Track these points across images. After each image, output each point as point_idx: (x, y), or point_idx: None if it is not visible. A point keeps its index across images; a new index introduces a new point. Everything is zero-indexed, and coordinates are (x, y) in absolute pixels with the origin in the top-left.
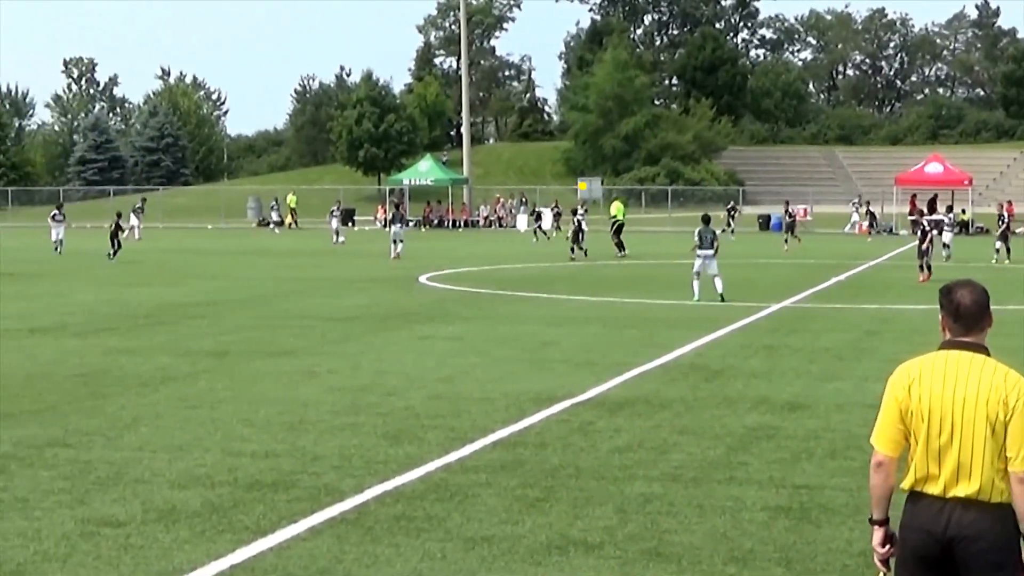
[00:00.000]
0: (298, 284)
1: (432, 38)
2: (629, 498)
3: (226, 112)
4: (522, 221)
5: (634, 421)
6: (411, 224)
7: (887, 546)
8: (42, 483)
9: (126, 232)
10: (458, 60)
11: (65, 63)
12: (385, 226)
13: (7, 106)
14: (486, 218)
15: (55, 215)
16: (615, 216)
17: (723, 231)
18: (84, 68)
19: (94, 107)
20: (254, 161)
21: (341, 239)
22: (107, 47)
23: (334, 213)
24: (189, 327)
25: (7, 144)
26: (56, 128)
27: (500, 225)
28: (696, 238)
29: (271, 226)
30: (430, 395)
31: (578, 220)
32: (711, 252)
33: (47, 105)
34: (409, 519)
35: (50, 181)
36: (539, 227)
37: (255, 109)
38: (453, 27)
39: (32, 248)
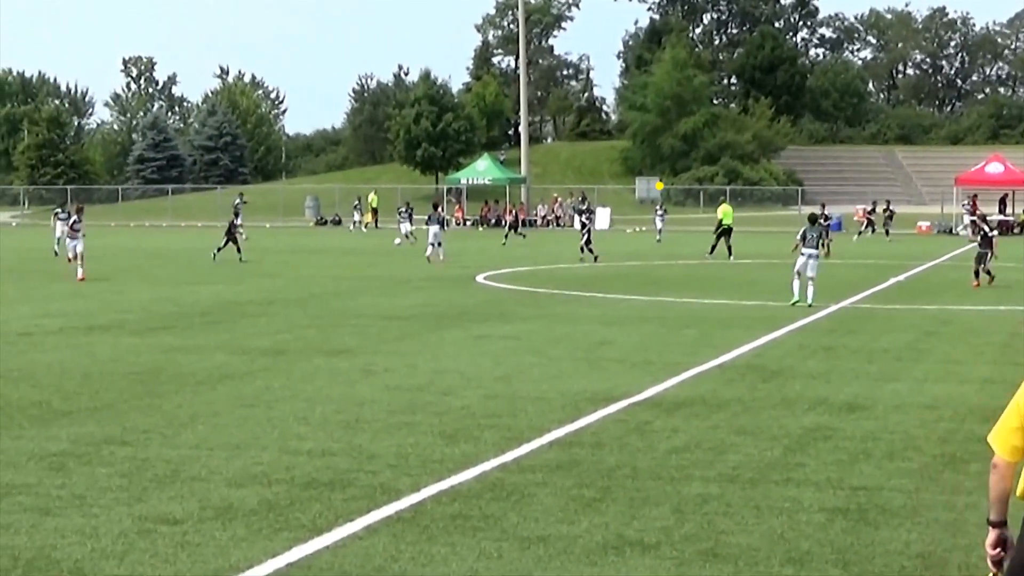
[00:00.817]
0: (355, 283)
1: (490, 37)
2: (686, 498)
3: (284, 111)
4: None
5: (691, 421)
6: (451, 224)
7: (998, 548)
8: (99, 480)
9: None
10: (516, 59)
11: (124, 62)
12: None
13: (67, 105)
14: (543, 217)
15: (58, 212)
16: (723, 220)
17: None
18: (143, 67)
19: (153, 106)
20: (312, 160)
21: (409, 240)
22: (166, 46)
23: (403, 213)
24: (246, 325)
25: (66, 143)
26: (115, 127)
27: (558, 224)
28: (799, 237)
29: (352, 225)
30: (486, 394)
31: (583, 222)
32: (815, 251)
33: (106, 104)
34: (465, 518)
35: (109, 180)
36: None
37: (313, 108)
38: (511, 26)
39: (90, 247)
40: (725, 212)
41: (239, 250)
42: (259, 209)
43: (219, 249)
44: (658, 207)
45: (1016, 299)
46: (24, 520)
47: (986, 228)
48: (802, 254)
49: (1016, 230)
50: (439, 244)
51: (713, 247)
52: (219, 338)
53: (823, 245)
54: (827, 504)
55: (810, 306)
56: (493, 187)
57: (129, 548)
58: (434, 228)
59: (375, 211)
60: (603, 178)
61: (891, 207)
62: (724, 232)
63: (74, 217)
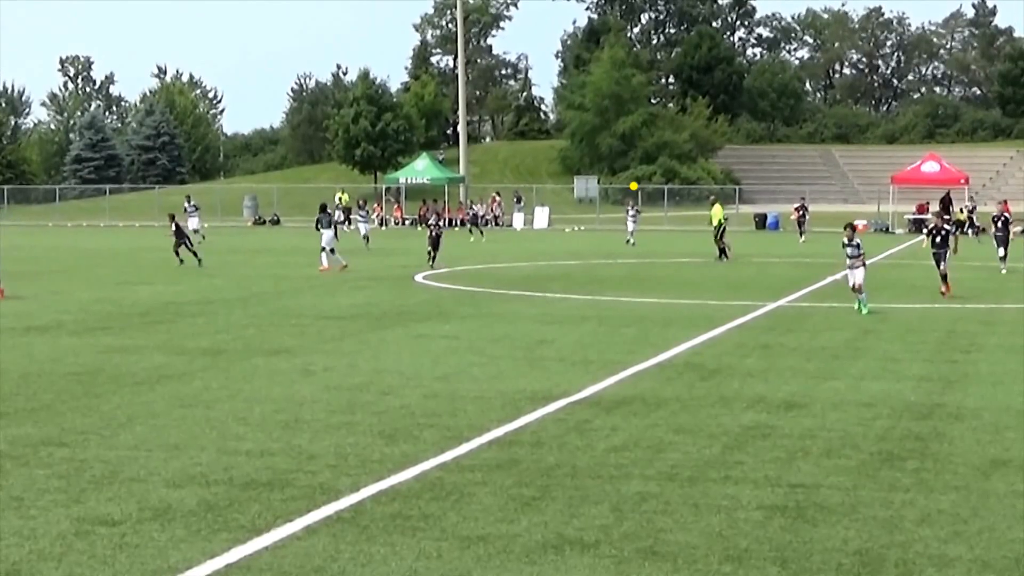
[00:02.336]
0: (295, 283)
1: (429, 36)
2: (625, 497)
3: (222, 111)
4: (518, 220)
5: (630, 420)
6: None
7: None
8: (37, 482)
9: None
10: (455, 59)
11: (61, 61)
12: (381, 224)
13: (3, 104)
14: (482, 216)
15: None
16: (718, 220)
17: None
18: (80, 66)
19: (90, 105)
20: (250, 159)
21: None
22: (103, 45)
23: (362, 210)
24: (185, 325)
25: (3, 143)
26: (52, 126)
27: (496, 224)
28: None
29: (342, 226)
30: (426, 394)
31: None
32: (856, 262)
33: (43, 103)
34: (405, 518)
35: (46, 180)
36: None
37: (251, 107)
38: (450, 25)
39: (28, 247)
40: (715, 213)
41: (194, 254)
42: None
43: (195, 254)
44: (630, 208)
45: (954, 298)
46: None
47: (945, 227)
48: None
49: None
50: (331, 251)
51: (721, 251)
52: (158, 338)
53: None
54: (765, 502)
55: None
56: (432, 186)
57: (67, 550)
58: (327, 233)
59: (348, 211)
60: (542, 177)
61: (805, 204)
62: (723, 232)
63: None
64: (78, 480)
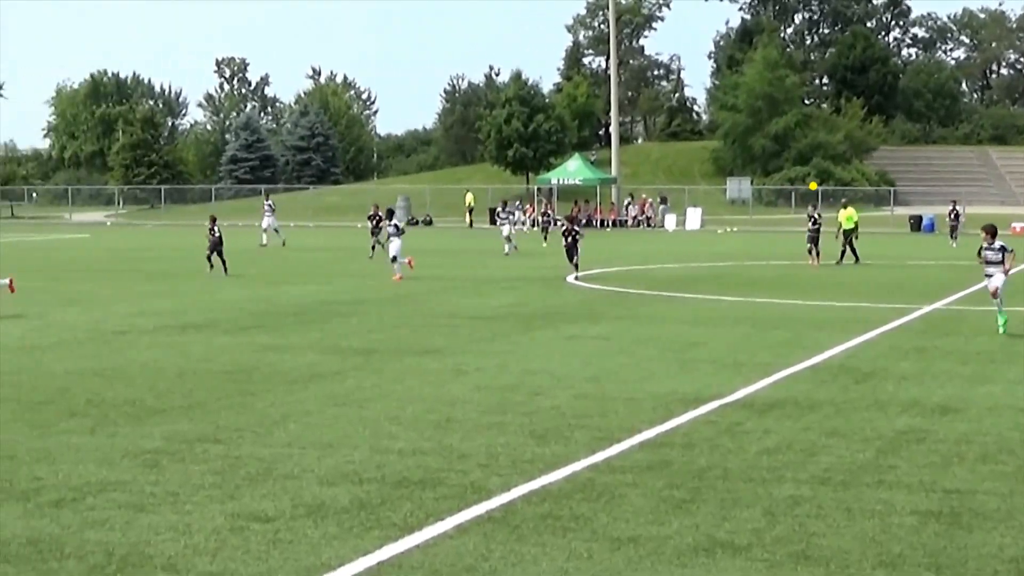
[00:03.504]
0: (446, 283)
1: (581, 37)
2: (777, 500)
3: (376, 112)
4: (670, 221)
5: (782, 423)
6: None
7: None
8: (193, 478)
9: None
10: (607, 59)
11: (217, 63)
12: (533, 225)
13: (161, 106)
14: (634, 218)
15: None
16: (854, 222)
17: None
18: (236, 68)
19: (245, 106)
20: (403, 160)
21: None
22: (259, 47)
23: (503, 214)
24: (337, 325)
25: (160, 143)
26: (208, 127)
27: (648, 225)
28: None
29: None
30: (577, 395)
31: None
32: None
33: (199, 104)
34: (555, 518)
35: (202, 179)
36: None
37: (405, 108)
38: (602, 26)
39: (184, 246)
40: (848, 216)
41: (223, 262)
42: (350, 209)
43: (224, 262)
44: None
45: None
46: (118, 516)
47: None
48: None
49: None
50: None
51: (842, 253)
52: (311, 337)
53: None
54: (920, 507)
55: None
56: (584, 187)
57: (222, 545)
58: (396, 242)
59: (471, 211)
60: (694, 178)
61: (957, 208)
62: (848, 235)
63: None
64: (233, 476)
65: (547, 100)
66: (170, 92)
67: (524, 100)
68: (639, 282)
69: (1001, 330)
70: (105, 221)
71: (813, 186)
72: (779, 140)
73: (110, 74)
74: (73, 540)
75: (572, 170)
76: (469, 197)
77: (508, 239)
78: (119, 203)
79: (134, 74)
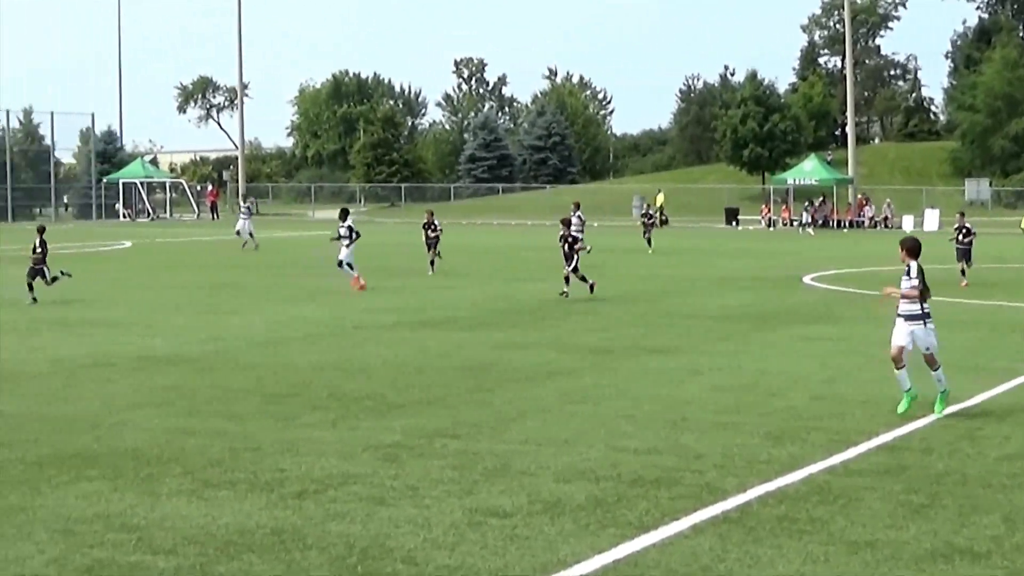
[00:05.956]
0: (680, 282)
1: (816, 37)
2: (1017, 507)
3: (611, 112)
4: (908, 222)
5: (1022, 429)
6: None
7: None
8: (431, 472)
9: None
10: (843, 59)
11: (456, 63)
12: (769, 225)
13: (401, 105)
14: (871, 218)
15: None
16: None
17: None
18: (474, 68)
19: (483, 106)
20: (639, 160)
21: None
22: (496, 48)
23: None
24: (574, 323)
25: (400, 142)
26: (447, 127)
27: (886, 226)
28: None
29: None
30: (813, 396)
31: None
32: None
33: (438, 104)
34: (792, 520)
35: (441, 178)
36: None
37: (640, 108)
38: (838, 26)
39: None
40: None
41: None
42: (586, 208)
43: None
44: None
45: None
46: (359, 509)
47: None
48: None
49: None
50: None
51: None
52: (547, 335)
53: None
54: None
55: None
56: (820, 188)
57: (460, 539)
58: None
59: (661, 209)
60: (931, 179)
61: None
62: None
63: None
64: (471, 472)
65: (782, 100)
66: (410, 92)
67: (760, 100)
68: (877, 283)
69: None
70: None
71: None
72: (1019, 141)
73: (351, 74)
74: (315, 531)
75: (808, 170)
76: (660, 197)
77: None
78: (360, 201)
79: (375, 74)
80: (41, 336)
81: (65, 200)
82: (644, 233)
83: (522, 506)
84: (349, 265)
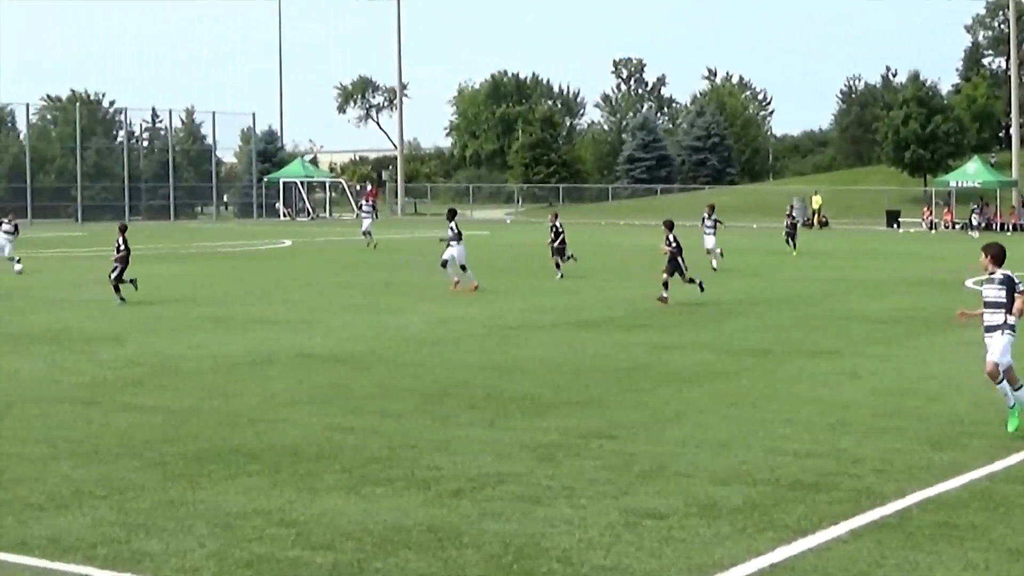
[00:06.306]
0: (838, 285)
1: (980, 38)
2: None
3: (771, 112)
4: None
5: None
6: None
7: None
8: (587, 472)
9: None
10: (1007, 60)
11: (615, 63)
12: (930, 228)
13: (559, 105)
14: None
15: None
16: None
17: None
18: (633, 68)
19: (642, 107)
20: (799, 161)
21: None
22: (655, 48)
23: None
24: (731, 325)
25: (559, 143)
26: (605, 127)
27: None
28: None
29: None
30: (974, 401)
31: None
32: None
33: (596, 105)
34: (951, 527)
35: (599, 179)
36: None
37: (800, 109)
38: (1002, 27)
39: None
40: None
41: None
42: (744, 210)
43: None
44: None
45: None
46: (514, 508)
47: None
48: None
49: None
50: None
51: None
52: (705, 336)
53: None
54: None
55: None
56: (983, 190)
57: (615, 540)
58: (458, 248)
59: (817, 212)
60: None
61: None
62: None
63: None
64: (626, 473)
65: (945, 101)
66: (568, 92)
67: (922, 101)
68: None
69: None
70: (505, 219)
71: None
72: None
73: (510, 74)
74: (471, 530)
75: (971, 172)
76: (817, 199)
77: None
78: (518, 201)
79: (533, 74)
80: (203, 333)
81: (225, 199)
82: (787, 235)
83: (678, 508)
84: (463, 267)
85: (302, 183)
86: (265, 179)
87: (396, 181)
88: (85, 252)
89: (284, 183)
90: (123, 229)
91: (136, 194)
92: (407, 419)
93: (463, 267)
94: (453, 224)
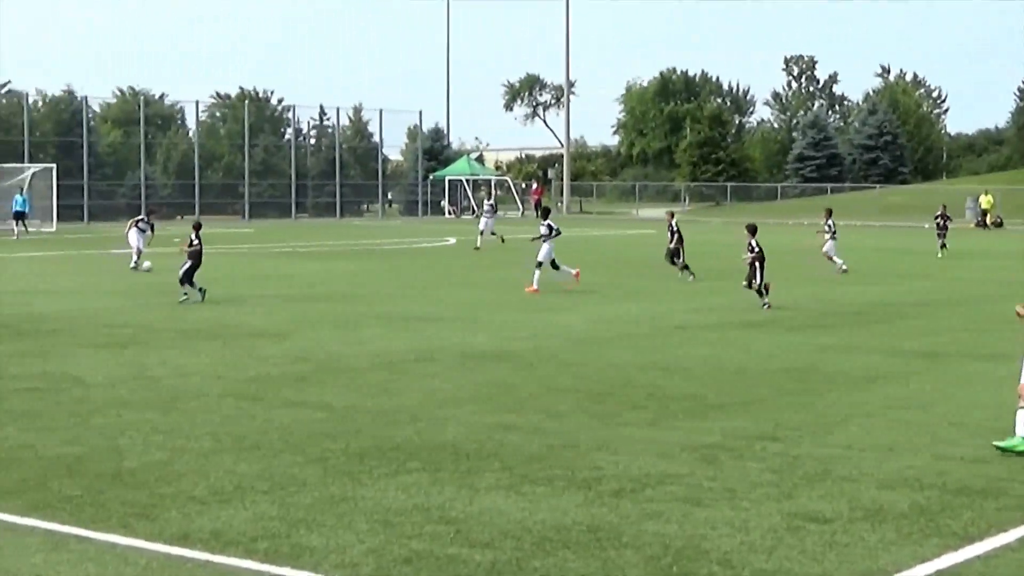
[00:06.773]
0: (1011, 287)
1: None
2: None
3: (946, 110)
4: None
5: None
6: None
7: None
8: (750, 475)
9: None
10: None
11: (786, 61)
12: None
13: (728, 103)
14: None
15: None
16: None
17: None
18: (804, 66)
19: (813, 105)
20: (974, 160)
21: None
22: (828, 45)
23: None
24: (901, 326)
25: (727, 141)
26: (775, 125)
27: None
28: None
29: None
30: None
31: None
32: None
33: (766, 102)
34: None
35: (767, 177)
36: None
37: (976, 107)
38: None
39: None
40: None
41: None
42: (916, 209)
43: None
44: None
45: None
46: (675, 509)
47: None
48: None
49: None
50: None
51: None
52: (873, 338)
53: None
54: None
55: None
56: None
57: (778, 544)
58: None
59: (986, 213)
60: None
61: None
62: None
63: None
64: (790, 475)
65: None
66: (738, 90)
67: None
68: None
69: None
70: None
71: None
72: None
73: (679, 72)
74: (631, 530)
75: None
76: (986, 199)
77: None
78: (685, 200)
79: (702, 72)
80: (366, 330)
81: (390, 197)
82: (939, 236)
83: (842, 512)
84: (554, 264)
85: (468, 181)
86: (431, 177)
87: (562, 179)
88: (250, 247)
89: (450, 181)
90: (197, 227)
91: (302, 191)
92: (568, 418)
93: (539, 264)
94: (549, 222)
